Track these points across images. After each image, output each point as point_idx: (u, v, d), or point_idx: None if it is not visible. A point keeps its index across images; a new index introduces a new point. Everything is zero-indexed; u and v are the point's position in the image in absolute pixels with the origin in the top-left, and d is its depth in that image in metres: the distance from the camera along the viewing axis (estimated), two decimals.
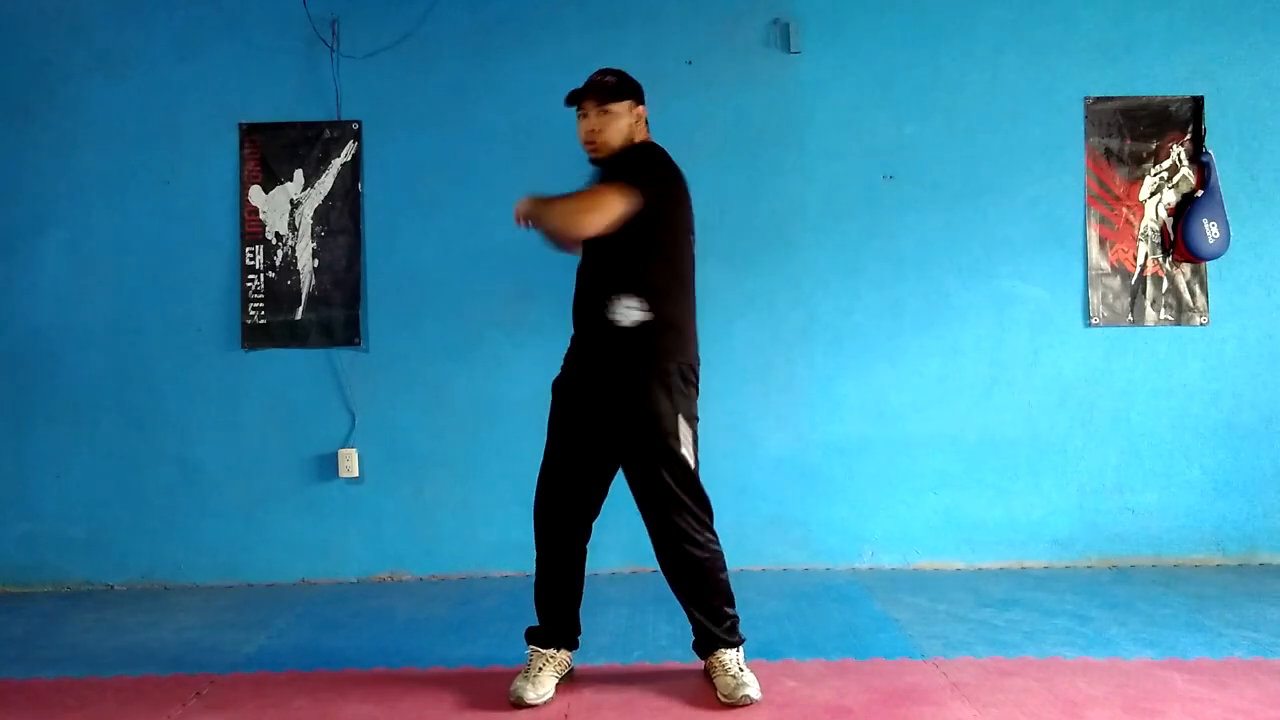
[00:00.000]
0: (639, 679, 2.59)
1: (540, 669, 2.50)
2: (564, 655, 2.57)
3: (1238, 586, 3.40)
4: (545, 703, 2.44)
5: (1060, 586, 3.43)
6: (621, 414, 2.43)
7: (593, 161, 2.52)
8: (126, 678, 2.70)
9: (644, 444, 2.41)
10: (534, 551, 2.57)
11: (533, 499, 2.56)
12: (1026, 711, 2.35)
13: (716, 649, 2.49)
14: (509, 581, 3.58)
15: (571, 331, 2.56)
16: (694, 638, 2.55)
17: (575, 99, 2.52)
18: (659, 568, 2.51)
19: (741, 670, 2.45)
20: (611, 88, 2.50)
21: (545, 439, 2.58)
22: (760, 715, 2.35)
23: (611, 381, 2.43)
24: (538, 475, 2.56)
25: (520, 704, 2.41)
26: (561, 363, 2.61)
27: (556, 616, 2.56)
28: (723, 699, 2.41)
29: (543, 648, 2.54)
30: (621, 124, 2.49)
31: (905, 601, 3.27)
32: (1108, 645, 2.81)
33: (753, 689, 2.40)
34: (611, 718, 2.36)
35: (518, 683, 2.46)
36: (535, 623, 2.58)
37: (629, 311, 2.41)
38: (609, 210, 2.32)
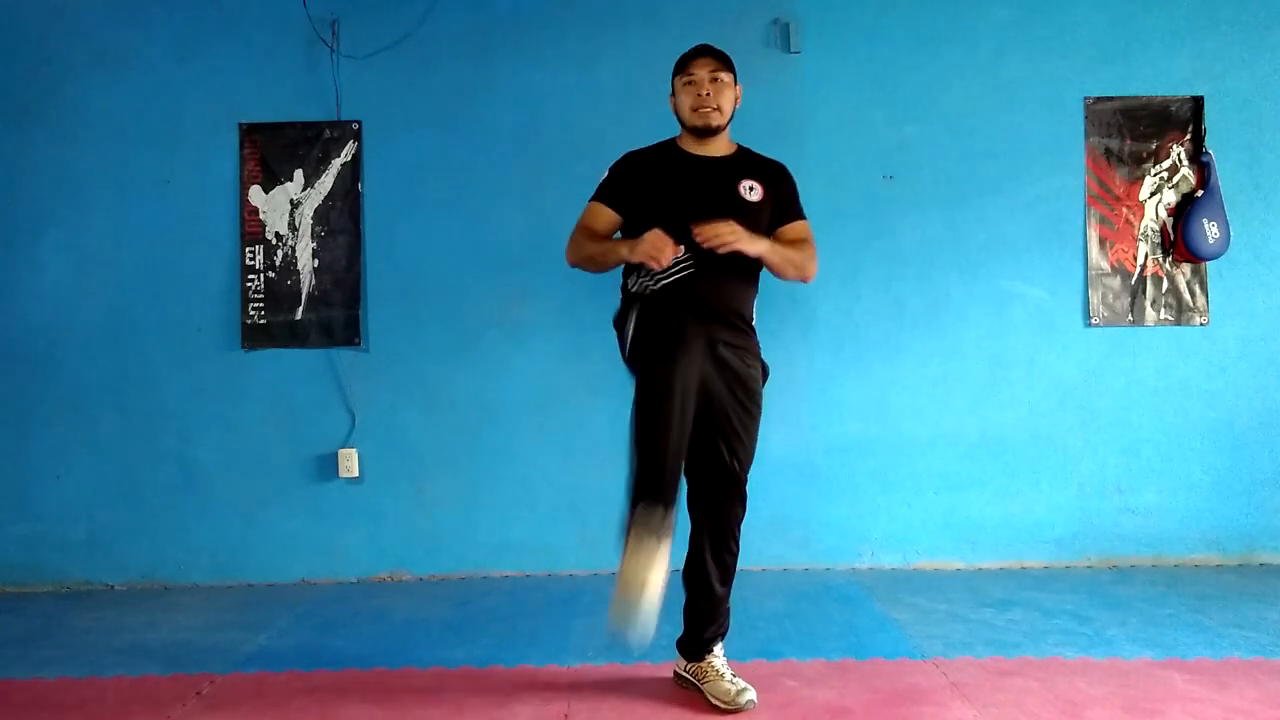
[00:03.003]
0: (639, 679, 2.59)
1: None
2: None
3: (1238, 586, 3.40)
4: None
5: (1060, 586, 3.43)
6: (747, 403, 2.41)
7: (701, 130, 2.42)
8: (126, 678, 2.70)
9: (748, 433, 2.42)
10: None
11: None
12: (1026, 711, 2.35)
13: (710, 648, 2.47)
14: (509, 581, 3.58)
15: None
16: (686, 638, 2.52)
17: (688, 58, 2.44)
18: (697, 562, 2.47)
19: (735, 675, 2.45)
20: (725, 56, 2.45)
21: (651, 382, 2.28)
22: (760, 715, 2.35)
23: (750, 373, 2.42)
24: (645, 432, 2.25)
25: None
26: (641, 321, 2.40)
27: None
28: (722, 705, 2.38)
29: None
30: (729, 95, 2.44)
31: (905, 601, 3.27)
32: (1108, 645, 2.81)
33: (752, 692, 2.39)
34: (611, 718, 2.36)
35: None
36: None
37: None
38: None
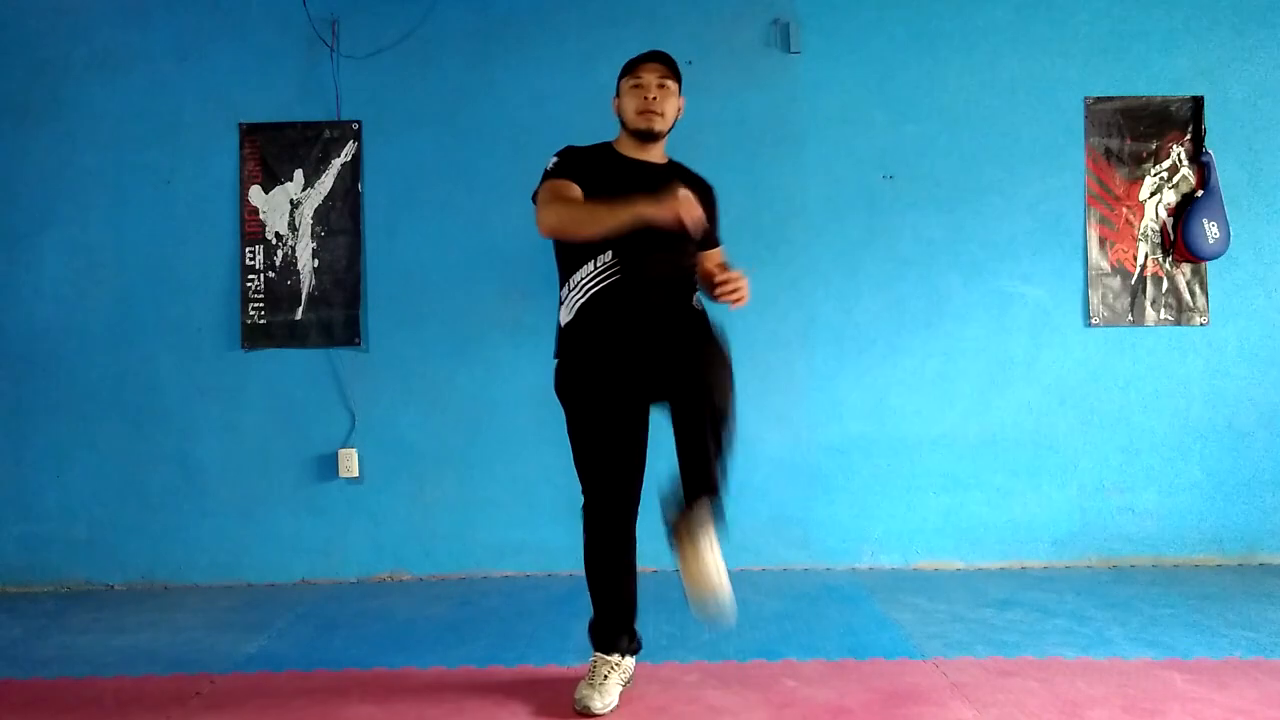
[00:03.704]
0: (639, 679, 2.58)
1: (606, 676, 2.41)
2: (629, 662, 2.49)
3: (1238, 586, 3.40)
4: (611, 711, 2.36)
5: (1060, 586, 3.43)
6: (694, 334, 2.31)
7: (644, 133, 2.41)
8: (126, 678, 2.70)
9: (713, 346, 2.30)
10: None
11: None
12: (1026, 711, 2.35)
13: (705, 496, 2.23)
14: (509, 581, 3.58)
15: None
16: (684, 485, 2.26)
17: (637, 62, 2.43)
18: (691, 436, 2.26)
19: (712, 550, 2.15)
20: (674, 64, 2.45)
21: (583, 434, 2.43)
22: (760, 715, 2.35)
23: (687, 324, 2.36)
24: (584, 472, 2.43)
25: (586, 713, 2.33)
26: (564, 354, 2.50)
27: (624, 617, 2.47)
28: (690, 588, 2.15)
29: (607, 654, 2.45)
30: (673, 104, 2.45)
31: (905, 601, 3.27)
32: (1108, 645, 2.81)
33: (724, 586, 2.14)
34: (611, 718, 2.36)
35: (583, 690, 2.37)
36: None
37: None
38: None
